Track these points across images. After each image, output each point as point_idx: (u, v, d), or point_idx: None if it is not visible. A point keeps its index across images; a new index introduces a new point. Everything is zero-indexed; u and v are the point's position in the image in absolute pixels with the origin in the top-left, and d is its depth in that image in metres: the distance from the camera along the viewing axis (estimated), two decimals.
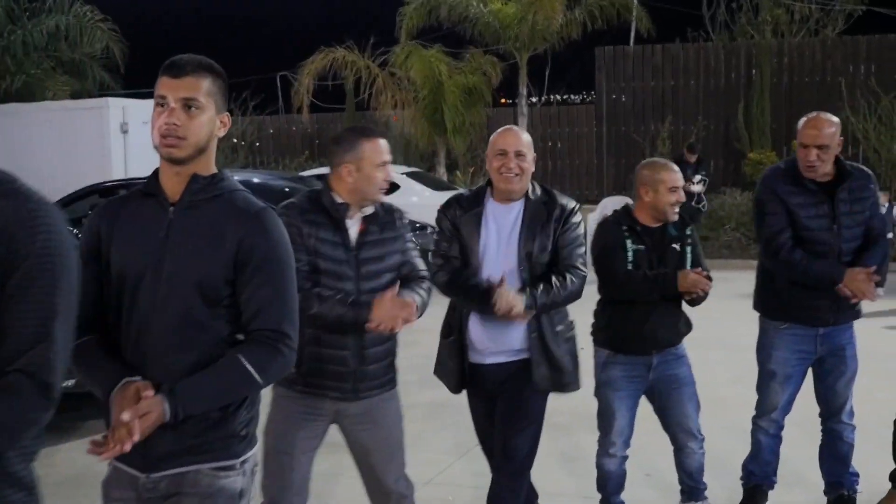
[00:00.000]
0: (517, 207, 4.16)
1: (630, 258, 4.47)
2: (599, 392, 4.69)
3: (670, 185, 4.45)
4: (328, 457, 6.16)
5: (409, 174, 15.88)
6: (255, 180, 11.24)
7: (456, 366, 4.26)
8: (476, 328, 4.16)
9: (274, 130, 25.27)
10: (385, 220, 3.86)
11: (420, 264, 3.89)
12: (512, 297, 3.93)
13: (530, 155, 4.14)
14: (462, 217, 4.20)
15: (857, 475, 5.02)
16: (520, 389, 4.20)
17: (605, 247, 4.55)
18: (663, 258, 4.49)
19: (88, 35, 23.12)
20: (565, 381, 4.23)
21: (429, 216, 14.85)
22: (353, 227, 3.77)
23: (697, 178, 13.76)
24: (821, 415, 4.97)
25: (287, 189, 11.18)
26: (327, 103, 23.34)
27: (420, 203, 14.94)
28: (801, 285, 4.65)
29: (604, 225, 4.62)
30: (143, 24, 27.67)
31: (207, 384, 2.60)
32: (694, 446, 4.76)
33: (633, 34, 21.59)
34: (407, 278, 3.83)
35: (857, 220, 4.67)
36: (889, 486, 5.10)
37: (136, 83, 24.53)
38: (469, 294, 4.12)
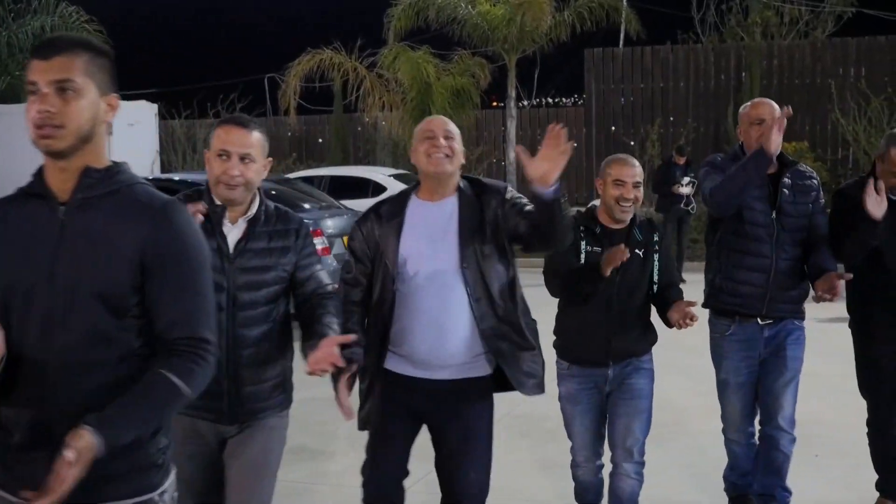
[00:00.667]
0: (450, 204, 3.69)
1: (582, 260, 4.18)
2: (561, 404, 4.47)
3: (615, 178, 4.16)
4: (302, 465, 6.06)
5: (395, 176, 15.75)
6: None
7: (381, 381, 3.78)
8: (417, 337, 3.66)
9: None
10: (277, 228, 3.46)
11: (325, 278, 3.50)
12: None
13: (460, 145, 3.72)
14: (380, 230, 3.72)
15: (789, 492, 4.75)
16: (471, 412, 3.75)
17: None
18: (623, 266, 4.08)
19: None
20: (531, 381, 3.82)
21: None
22: (234, 233, 3.39)
23: (686, 179, 13.65)
24: (759, 420, 4.77)
25: (273, 192, 11.06)
26: (315, 105, 23.19)
27: None
28: (733, 269, 4.59)
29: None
30: (129, 25, 27.49)
31: (135, 406, 2.28)
32: (629, 469, 4.31)
33: (622, 36, 21.47)
34: (313, 296, 3.45)
35: (800, 210, 4.57)
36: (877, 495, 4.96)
37: (123, 84, 24.34)
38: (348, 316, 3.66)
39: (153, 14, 37.06)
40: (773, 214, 4.51)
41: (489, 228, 3.65)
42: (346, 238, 10.05)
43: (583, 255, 4.17)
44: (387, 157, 22.03)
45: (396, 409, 3.76)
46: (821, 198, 4.65)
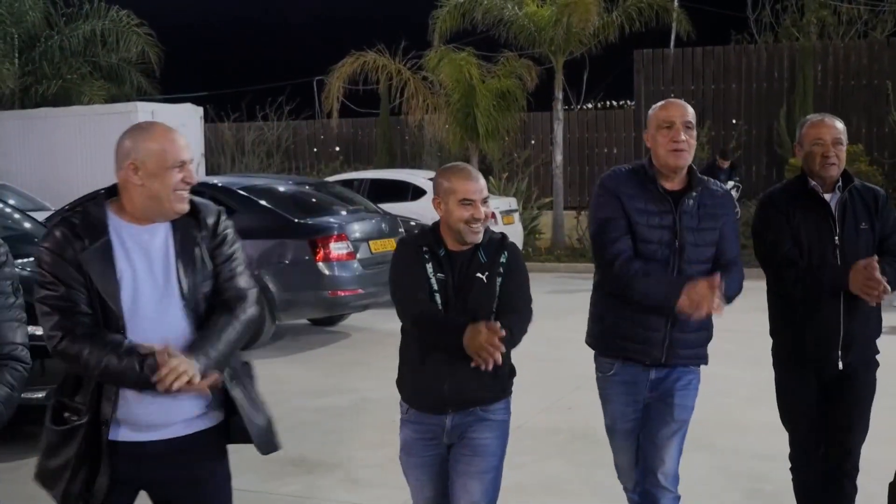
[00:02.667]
0: (162, 229, 3.09)
1: (435, 287, 3.55)
2: (399, 455, 3.82)
3: (462, 197, 3.52)
4: (300, 478, 5.94)
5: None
6: (271, 186, 10.95)
7: (83, 451, 3.03)
8: (133, 398, 3.01)
9: (309, 135, 25.09)
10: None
11: (243, 282, 3.17)
12: (180, 365, 2.86)
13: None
14: (85, 252, 2.98)
15: None
16: (206, 471, 3.24)
17: (399, 270, 3.66)
18: (464, 290, 3.55)
19: (125, 40, 23.21)
20: (266, 439, 3.31)
21: None
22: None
23: (731, 184, 13.24)
24: (638, 472, 4.12)
25: (313, 199, 10.94)
26: (363, 108, 23.12)
27: None
28: (632, 310, 3.86)
29: (402, 244, 3.73)
30: (178, 28, 27.69)
31: None
32: None
33: (673, 37, 21.06)
34: (220, 305, 3.11)
35: (706, 238, 3.87)
36: None
37: (173, 88, 24.56)
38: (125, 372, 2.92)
39: (202, 17, 37.34)
40: (676, 244, 3.82)
41: (202, 260, 3.12)
42: (373, 242, 9.89)
43: (433, 282, 3.55)
44: (433, 160, 21.88)
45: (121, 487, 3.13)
46: (735, 220, 4.01)
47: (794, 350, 4.22)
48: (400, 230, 10.86)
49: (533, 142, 22.46)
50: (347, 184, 14.42)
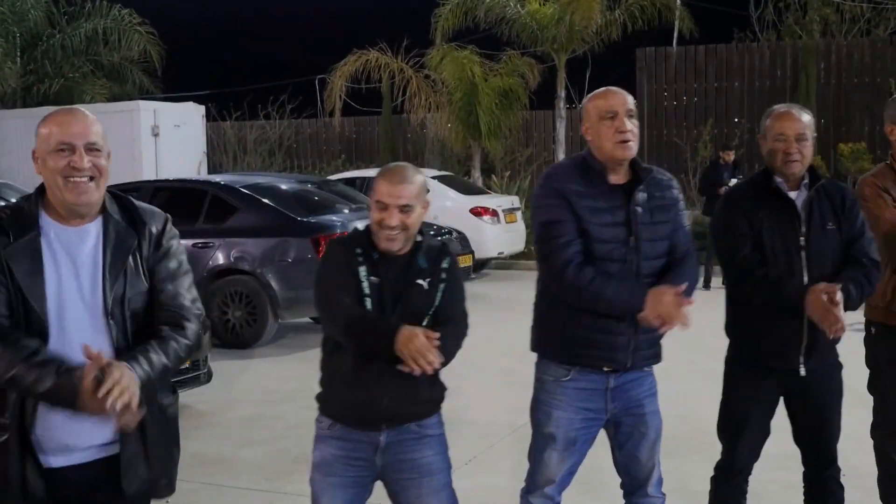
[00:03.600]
0: (94, 229, 2.85)
1: (366, 291, 3.29)
2: (310, 475, 3.51)
3: (376, 199, 3.28)
4: (304, 476, 5.89)
5: (439, 178, 15.55)
6: (273, 185, 10.95)
7: (15, 475, 2.76)
8: (49, 418, 2.77)
9: (311, 134, 25.07)
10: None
11: (187, 302, 2.91)
12: (123, 378, 2.59)
13: (106, 149, 2.88)
14: (9, 248, 2.76)
15: None
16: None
17: (327, 273, 3.39)
18: (404, 297, 3.31)
19: (127, 38, 23.21)
20: (162, 482, 3.02)
21: (458, 221, 14.58)
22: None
23: (734, 181, 13.17)
24: (623, 487, 3.93)
25: (315, 197, 10.93)
26: (365, 106, 23.10)
27: (451, 207, 14.65)
28: (590, 316, 3.57)
29: (332, 244, 3.45)
30: (180, 27, 27.68)
31: None
32: None
33: (675, 35, 21.01)
34: (159, 325, 2.87)
35: (660, 232, 3.63)
36: None
37: (175, 86, 24.55)
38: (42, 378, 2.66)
39: (204, 15, 37.32)
40: (632, 242, 3.57)
41: (138, 269, 2.88)
42: None
43: (365, 285, 3.29)
44: (435, 159, 21.87)
45: None
46: (682, 210, 3.76)
47: (753, 355, 3.98)
48: None
49: (535, 138, 22.42)
50: (350, 182, 14.42)
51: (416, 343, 3.13)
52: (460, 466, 5.87)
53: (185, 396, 7.34)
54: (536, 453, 3.81)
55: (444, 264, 3.41)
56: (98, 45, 23.44)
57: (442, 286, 3.37)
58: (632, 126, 3.54)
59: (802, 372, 3.90)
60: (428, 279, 3.36)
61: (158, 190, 10.79)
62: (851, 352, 4.29)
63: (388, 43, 19.05)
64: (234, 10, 40.95)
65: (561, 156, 18.60)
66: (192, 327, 2.90)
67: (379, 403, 3.32)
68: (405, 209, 3.25)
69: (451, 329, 3.34)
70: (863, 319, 4.55)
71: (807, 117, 3.89)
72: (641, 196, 3.60)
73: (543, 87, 19.74)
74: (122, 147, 16.90)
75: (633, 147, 3.54)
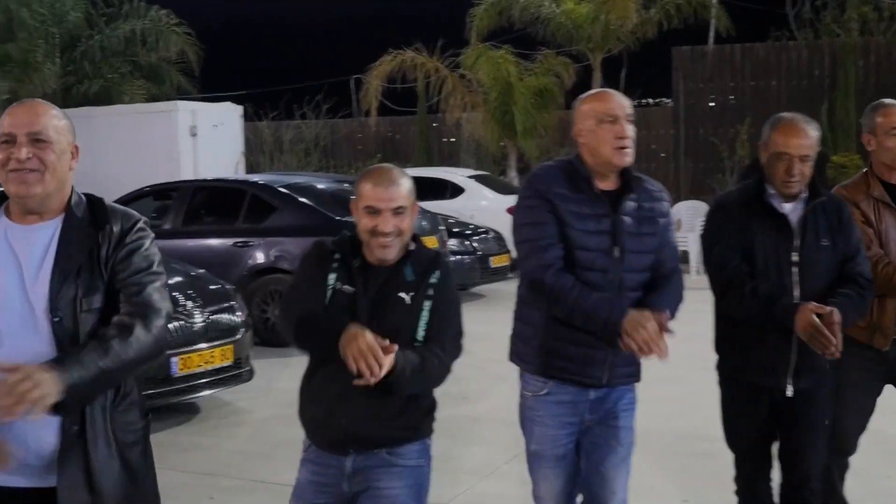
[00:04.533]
0: (50, 228, 2.74)
1: (328, 297, 3.05)
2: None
3: (366, 204, 3.03)
4: None
5: (475, 177, 15.59)
6: (311, 184, 11.03)
7: None
8: None
9: (347, 133, 25.18)
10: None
11: (154, 297, 2.73)
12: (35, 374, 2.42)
13: (62, 144, 2.77)
14: None
15: None
16: None
17: (297, 275, 3.23)
18: (380, 310, 3.03)
19: (164, 39, 23.43)
20: None
21: (495, 221, 14.59)
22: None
23: None
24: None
25: (353, 196, 10.98)
26: (400, 106, 23.18)
27: (488, 207, 14.68)
28: (567, 328, 3.41)
29: (314, 245, 3.21)
30: (217, 28, 27.91)
31: None
32: None
33: (711, 33, 20.91)
34: (119, 317, 2.69)
35: (646, 244, 3.47)
36: None
37: (212, 87, 24.76)
38: None
39: (241, 16, 37.61)
40: (616, 252, 3.42)
41: (96, 269, 2.71)
42: None
43: (328, 293, 3.04)
44: (470, 158, 21.90)
45: None
46: (672, 225, 3.61)
47: (739, 373, 3.88)
48: (440, 227, 10.88)
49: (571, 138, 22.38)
50: None
51: (360, 343, 2.81)
52: (477, 482, 5.91)
53: (227, 394, 7.44)
54: (531, 470, 3.68)
55: (433, 278, 3.08)
56: (136, 45, 23.66)
57: (428, 303, 3.05)
58: (632, 133, 3.43)
59: (789, 392, 3.77)
60: (412, 293, 3.05)
61: (198, 189, 10.89)
62: None
63: (424, 43, 19.13)
64: (270, 11, 41.24)
65: None
66: (156, 323, 2.69)
67: (337, 421, 3.03)
68: (399, 212, 3.02)
69: (431, 353, 3.02)
70: None
71: (813, 132, 3.70)
72: (630, 205, 3.46)
73: (578, 87, 19.70)
74: (161, 147, 17.05)
75: (631, 154, 3.42)
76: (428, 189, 14.96)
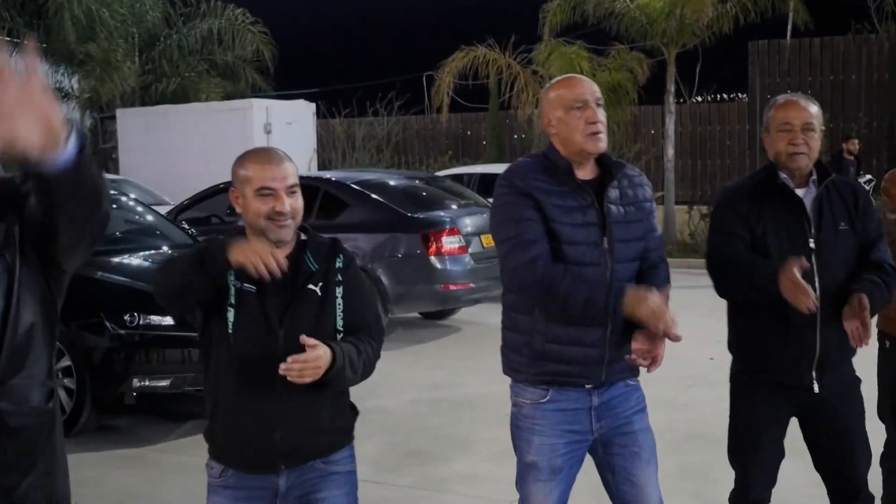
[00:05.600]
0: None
1: (232, 301, 2.82)
2: None
3: (259, 186, 2.80)
4: (415, 469, 5.97)
5: None
6: (384, 181, 11.07)
7: None
8: None
9: (419, 130, 25.25)
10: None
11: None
12: None
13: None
14: None
15: None
16: None
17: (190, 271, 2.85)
18: (292, 308, 2.83)
19: (240, 38, 23.77)
20: None
21: None
22: None
23: (867, 177, 12.45)
24: None
25: (424, 192, 11.00)
26: (472, 103, 23.17)
27: None
28: (561, 326, 3.20)
29: (207, 242, 2.89)
30: (291, 25, 28.17)
31: None
32: None
33: (789, 27, 20.51)
34: None
35: (634, 232, 3.28)
36: None
37: (286, 84, 25.02)
38: None
39: (315, 15, 37.90)
40: (605, 244, 3.21)
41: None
42: (485, 236, 9.90)
43: (232, 296, 2.82)
44: None
45: None
46: (654, 211, 3.39)
47: (760, 370, 3.59)
48: None
49: (644, 133, 22.15)
50: (457, 178, 14.47)
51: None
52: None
53: None
54: (521, 485, 3.40)
55: (339, 263, 2.93)
56: (213, 44, 24.07)
57: (340, 290, 2.90)
58: (602, 117, 3.21)
59: (816, 388, 3.53)
60: (320, 283, 2.88)
61: None
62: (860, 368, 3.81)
63: (496, 39, 19.06)
64: (343, 9, 41.51)
65: (670, 151, 18.35)
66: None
67: (271, 437, 2.82)
68: (293, 191, 2.83)
69: (363, 342, 2.91)
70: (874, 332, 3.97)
71: (814, 108, 3.53)
72: (614, 193, 3.25)
73: (651, 82, 19.48)
74: (236, 144, 17.08)
75: (604, 140, 3.21)
76: None
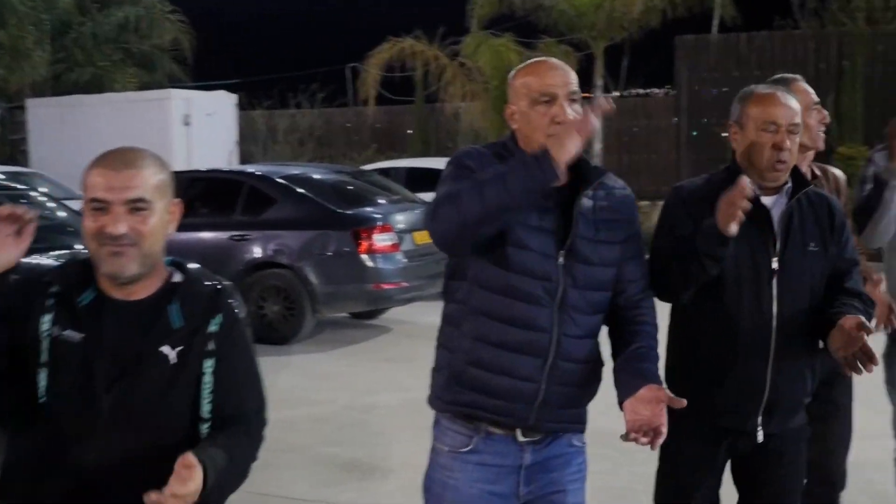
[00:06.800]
0: None
1: (45, 357, 2.13)
2: None
3: (89, 198, 2.15)
4: (354, 484, 5.64)
5: None
6: (311, 175, 10.67)
7: None
8: None
9: (343, 123, 24.81)
10: None
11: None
12: None
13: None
14: None
15: None
16: None
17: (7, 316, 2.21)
18: (129, 375, 2.14)
19: (157, 26, 23.15)
20: None
21: None
22: None
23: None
24: None
25: (349, 186, 10.64)
26: (397, 95, 22.83)
27: None
28: (494, 349, 2.61)
29: (20, 280, 2.21)
30: (210, 15, 27.50)
31: None
32: None
33: (716, 22, 20.56)
34: None
35: (603, 255, 2.66)
36: None
37: (205, 75, 24.39)
38: None
39: (236, 2, 37.19)
40: (561, 259, 2.61)
41: None
42: (417, 234, 9.56)
43: (44, 346, 2.14)
44: None
45: None
46: (640, 235, 2.81)
47: (698, 410, 2.83)
48: None
49: None
50: (383, 172, 14.13)
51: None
52: None
53: None
54: None
55: (214, 324, 2.22)
56: (128, 33, 23.38)
57: (210, 363, 2.20)
58: (574, 115, 2.59)
59: (760, 437, 3.00)
60: (179, 347, 2.17)
61: (194, 181, 10.53)
62: None
63: (424, 30, 18.78)
64: None
65: (598, 146, 18.23)
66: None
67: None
68: (138, 207, 2.13)
69: (236, 442, 2.21)
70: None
71: (796, 104, 2.97)
72: (586, 203, 2.65)
73: (579, 76, 19.32)
74: (154, 137, 16.66)
75: (577, 142, 2.54)
76: (425, 180, 14.60)
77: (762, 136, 2.93)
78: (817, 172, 3.74)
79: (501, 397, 2.61)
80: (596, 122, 2.45)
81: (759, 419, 2.98)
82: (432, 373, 2.79)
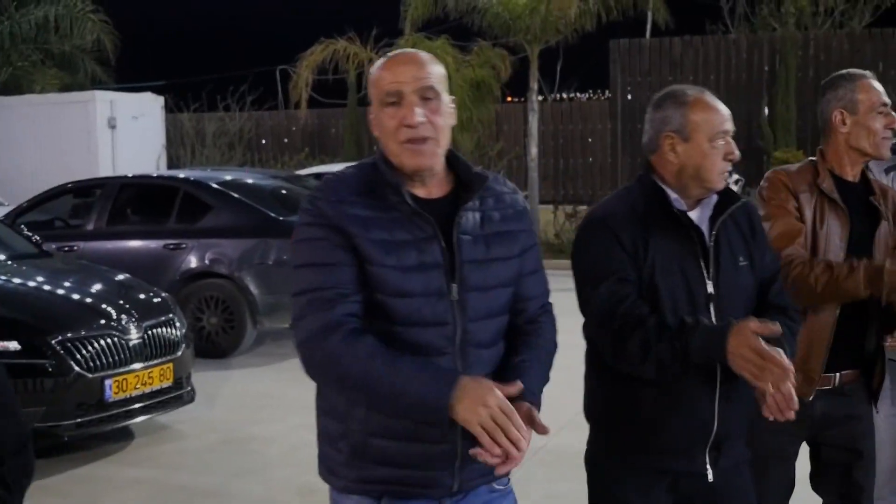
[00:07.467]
0: None
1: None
2: None
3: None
4: None
5: None
6: (249, 181, 10.28)
7: None
8: None
9: (273, 126, 24.32)
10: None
11: None
12: None
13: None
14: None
15: None
16: None
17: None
18: None
19: (79, 26, 22.37)
20: None
21: None
22: None
23: (735, 177, 12.51)
24: None
25: (283, 190, 10.27)
26: (329, 98, 22.42)
27: None
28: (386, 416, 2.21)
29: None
30: (135, 14, 26.79)
31: None
32: None
33: (649, 26, 20.59)
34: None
35: (499, 275, 2.30)
36: None
37: (129, 77, 23.70)
38: None
39: (160, 3, 36.38)
40: (455, 291, 2.23)
41: None
42: None
43: None
44: None
45: None
46: (536, 243, 2.43)
47: (637, 451, 2.68)
48: None
49: (506, 131, 21.90)
50: (318, 178, 13.76)
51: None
52: None
53: (165, 418, 6.65)
54: None
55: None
56: (48, 32, 22.54)
57: None
58: (428, 113, 2.22)
59: (710, 476, 2.70)
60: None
61: (124, 187, 10.07)
62: None
63: (357, 32, 18.45)
64: None
65: (534, 150, 18.09)
66: None
67: None
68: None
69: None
70: None
71: (726, 109, 2.72)
72: (472, 219, 2.28)
73: (514, 79, 19.23)
74: (77, 140, 16.14)
75: (433, 150, 2.23)
76: None
77: (715, 147, 2.63)
78: (876, 190, 3.34)
79: (417, 467, 2.24)
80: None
81: (707, 456, 2.69)
82: (321, 443, 2.38)
